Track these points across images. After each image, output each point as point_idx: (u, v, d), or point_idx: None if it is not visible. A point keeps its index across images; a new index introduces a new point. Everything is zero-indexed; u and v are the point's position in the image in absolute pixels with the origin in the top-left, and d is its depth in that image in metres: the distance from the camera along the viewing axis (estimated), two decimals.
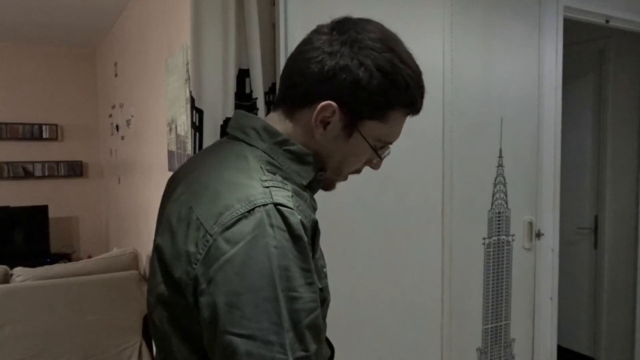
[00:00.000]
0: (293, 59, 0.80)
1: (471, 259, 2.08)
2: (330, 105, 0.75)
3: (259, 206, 0.67)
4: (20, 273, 2.81)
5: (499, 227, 2.15)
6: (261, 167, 0.74)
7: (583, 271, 3.19)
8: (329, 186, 0.87)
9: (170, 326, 0.75)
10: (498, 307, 2.17)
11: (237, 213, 0.67)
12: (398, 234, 1.90)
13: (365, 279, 1.84)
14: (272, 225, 0.66)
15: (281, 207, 0.68)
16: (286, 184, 0.74)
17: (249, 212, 0.66)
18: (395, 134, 0.82)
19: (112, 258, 3.10)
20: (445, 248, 2.00)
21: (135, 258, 3.16)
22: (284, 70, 0.83)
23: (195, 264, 0.67)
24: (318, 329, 0.69)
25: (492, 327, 2.15)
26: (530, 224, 2.24)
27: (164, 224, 0.77)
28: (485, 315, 2.13)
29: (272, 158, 0.77)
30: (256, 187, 0.70)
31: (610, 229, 3.07)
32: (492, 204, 2.13)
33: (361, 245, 1.82)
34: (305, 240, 0.69)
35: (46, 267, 2.93)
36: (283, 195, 0.70)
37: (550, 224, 2.28)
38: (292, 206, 0.69)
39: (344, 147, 0.80)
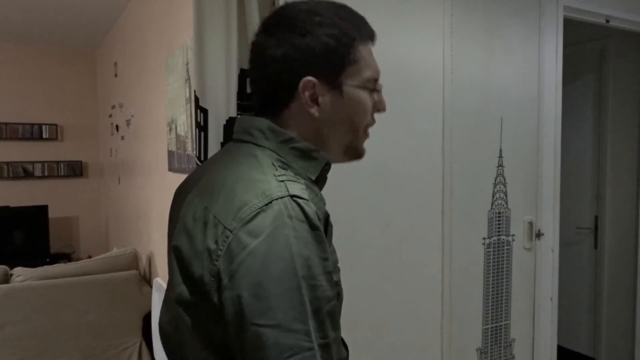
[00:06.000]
0: (252, 68, 0.83)
1: (471, 259, 2.08)
2: (308, 81, 0.77)
3: (276, 199, 0.68)
4: (20, 273, 2.81)
5: (499, 227, 2.15)
6: (273, 164, 0.76)
7: (583, 271, 3.20)
8: (360, 152, 0.87)
9: (189, 330, 0.75)
10: (498, 307, 2.17)
11: (255, 207, 0.68)
12: (398, 234, 1.90)
13: (365, 279, 1.84)
14: (290, 217, 0.67)
15: (297, 199, 0.70)
16: (299, 178, 0.76)
17: (266, 205, 0.68)
18: (374, 66, 0.83)
19: (112, 258, 3.10)
20: (445, 248, 2.00)
21: (135, 258, 3.16)
22: (251, 81, 0.85)
23: (217, 260, 0.68)
24: (336, 316, 0.71)
25: (492, 327, 2.15)
26: (530, 224, 2.24)
27: (178, 226, 0.78)
28: (485, 316, 2.13)
29: (280, 156, 0.78)
30: (271, 181, 0.71)
31: (610, 229, 3.07)
32: (492, 204, 2.13)
33: (361, 245, 1.82)
34: (322, 230, 0.71)
35: (46, 267, 2.94)
36: (298, 187, 0.72)
37: (550, 224, 2.28)
38: (307, 197, 0.71)
39: (346, 107, 0.81)
